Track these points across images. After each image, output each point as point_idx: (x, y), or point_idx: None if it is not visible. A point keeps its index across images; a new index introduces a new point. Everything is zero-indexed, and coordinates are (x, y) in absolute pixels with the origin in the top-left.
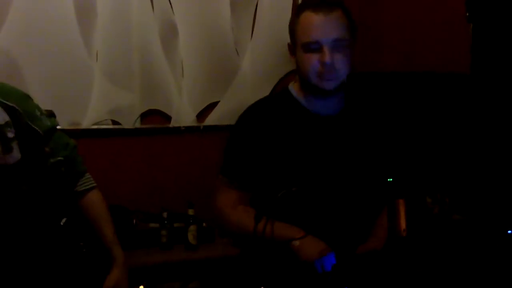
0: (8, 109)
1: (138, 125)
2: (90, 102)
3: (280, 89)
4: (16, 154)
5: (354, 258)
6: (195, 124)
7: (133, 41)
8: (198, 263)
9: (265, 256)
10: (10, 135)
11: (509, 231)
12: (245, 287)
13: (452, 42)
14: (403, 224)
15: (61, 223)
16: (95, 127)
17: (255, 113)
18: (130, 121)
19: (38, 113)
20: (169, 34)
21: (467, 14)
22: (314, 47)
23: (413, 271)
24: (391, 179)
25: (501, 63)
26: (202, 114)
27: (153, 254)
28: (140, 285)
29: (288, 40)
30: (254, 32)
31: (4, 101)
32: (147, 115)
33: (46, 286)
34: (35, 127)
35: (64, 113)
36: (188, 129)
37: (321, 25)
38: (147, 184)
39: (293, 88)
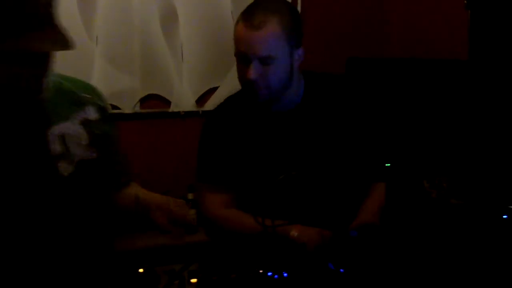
0: (99, 109)
1: (137, 109)
2: None
3: None
4: (96, 150)
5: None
6: (194, 109)
7: (133, 25)
8: (197, 246)
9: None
10: (97, 131)
11: (505, 216)
12: (246, 270)
13: (451, 28)
14: None
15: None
16: None
17: (220, 114)
18: (129, 106)
19: (113, 122)
20: (169, 18)
21: (465, 1)
22: (243, 59)
23: (409, 255)
24: (389, 164)
25: (499, 50)
26: (202, 99)
27: (152, 237)
28: (140, 268)
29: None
30: None
31: (97, 101)
32: (146, 100)
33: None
34: (110, 130)
35: None
36: (188, 114)
37: (248, 40)
38: (146, 169)
39: None
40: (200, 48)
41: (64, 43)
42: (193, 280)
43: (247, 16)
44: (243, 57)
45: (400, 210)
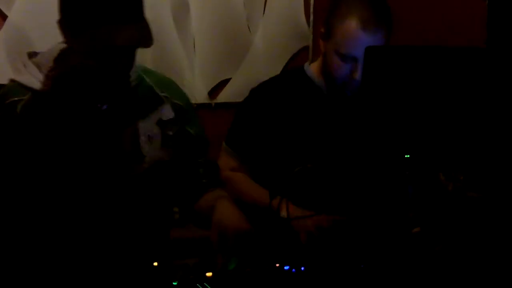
0: (175, 108)
1: None
2: None
3: (292, 67)
4: (169, 152)
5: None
6: (206, 101)
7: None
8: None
9: (276, 231)
10: (170, 132)
11: None
12: (262, 264)
13: (468, 17)
14: None
15: None
16: None
17: (267, 89)
18: None
19: (197, 120)
20: (181, 10)
21: None
22: (349, 59)
23: (427, 249)
24: (408, 156)
25: None
26: (214, 91)
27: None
28: (155, 261)
29: (301, 16)
30: (266, 8)
31: (173, 99)
32: None
33: None
34: (190, 130)
35: None
36: (200, 106)
37: (364, 44)
38: None
39: (310, 68)
40: (212, 40)
41: (147, 40)
42: (209, 274)
43: (364, 20)
44: (350, 57)
45: (417, 204)
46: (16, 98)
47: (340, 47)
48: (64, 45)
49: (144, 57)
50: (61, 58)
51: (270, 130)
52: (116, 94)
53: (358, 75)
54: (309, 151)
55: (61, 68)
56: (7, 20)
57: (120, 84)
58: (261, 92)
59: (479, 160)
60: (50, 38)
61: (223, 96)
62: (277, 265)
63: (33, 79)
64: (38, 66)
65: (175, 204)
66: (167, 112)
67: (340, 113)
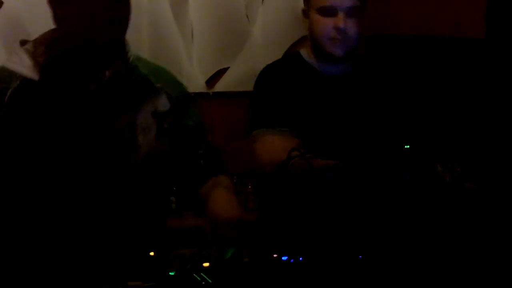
0: (170, 99)
1: None
2: None
3: (290, 53)
4: (164, 143)
5: None
6: (204, 90)
7: (142, 5)
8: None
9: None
10: (165, 125)
11: None
12: (260, 253)
13: (467, 7)
14: None
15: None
16: None
17: (271, 75)
18: None
19: (195, 109)
20: None
21: None
22: (329, 11)
23: (423, 240)
24: (408, 146)
25: None
26: (212, 80)
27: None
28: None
29: (301, 4)
30: None
31: (169, 90)
32: None
33: None
34: (188, 122)
35: None
36: (197, 95)
37: None
38: None
39: (304, 52)
40: (211, 28)
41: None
42: (206, 264)
43: None
44: (328, 10)
45: (414, 195)
46: (4, 86)
47: (318, 3)
48: (55, 31)
49: (141, 46)
50: (52, 43)
51: (285, 116)
52: (108, 76)
53: (341, 23)
54: (311, 132)
55: (51, 53)
56: (3, 6)
57: (112, 64)
58: (268, 78)
59: (477, 151)
60: (45, 25)
61: (221, 85)
62: (275, 255)
63: (22, 66)
64: (29, 52)
65: (177, 193)
66: (163, 104)
67: (337, 92)
